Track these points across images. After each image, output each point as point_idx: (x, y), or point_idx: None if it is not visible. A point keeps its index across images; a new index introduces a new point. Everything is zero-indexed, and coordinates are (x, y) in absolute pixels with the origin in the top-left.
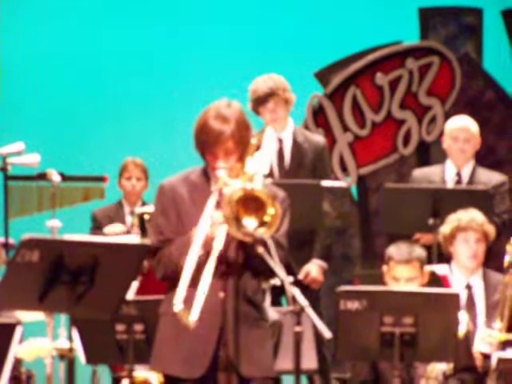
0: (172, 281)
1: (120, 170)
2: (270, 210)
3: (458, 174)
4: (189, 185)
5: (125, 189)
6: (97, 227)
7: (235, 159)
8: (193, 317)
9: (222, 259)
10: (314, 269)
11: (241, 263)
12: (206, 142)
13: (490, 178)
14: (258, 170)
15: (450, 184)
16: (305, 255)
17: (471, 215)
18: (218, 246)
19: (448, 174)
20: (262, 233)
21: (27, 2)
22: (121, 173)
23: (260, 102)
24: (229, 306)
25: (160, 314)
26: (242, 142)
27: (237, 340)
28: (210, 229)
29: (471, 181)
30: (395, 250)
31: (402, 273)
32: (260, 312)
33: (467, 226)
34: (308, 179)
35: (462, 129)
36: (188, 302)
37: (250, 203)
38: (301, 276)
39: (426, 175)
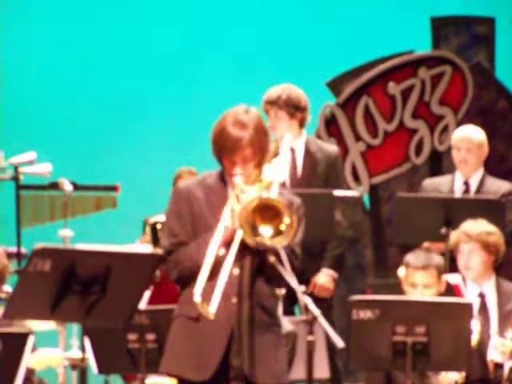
0: (185, 283)
1: (174, 179)
2: (286, 220)
3: (466, 184)
4: (205, 188)
5: None
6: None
7: (253, 166)
8: (212, 309)
9: (237, 264)
10: (321, 277)
11: (255, 268)
12: (224, 148)
13: (499, 186)
14: (274, 178)
15: (458, 194)
16: (317, 265)
17: (467, 226)
18: (239, 238)
19: (456, 183)
20: (278, 242)
21: (39, 7)
22: (175, 181)
23: (264, 106)
24: (242, 311)
25: (173, 317)
26: (261, 149)
27: (250, 346)
28: (232, 221)
29: (479, 190)
30: (413, 257)
31: (419, 279)
32: (273, 318)
33: (459, 237)
34: (320, 189)
35: (463, 139)
36: (205, 295)
37: (266, 211)
38: (310, 288)
39: (435, 185)
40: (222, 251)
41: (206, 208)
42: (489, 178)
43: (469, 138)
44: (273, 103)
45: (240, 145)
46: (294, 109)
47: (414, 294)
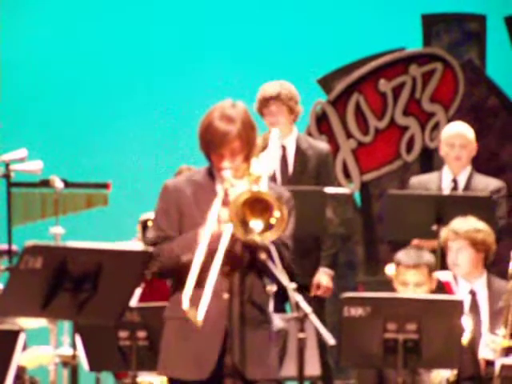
0: (176, 284)
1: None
2: (276, 213)
3: (454, 181)
4: (193, 185)
5: None
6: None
7: (241, 159)
8: (200, 316)
9: (227, 259)
10: (324, 278)
11: (246, 264)
12: (212, 142)
13: (487, 184)
14: (263, 171)
15: (447, 191)
16: (309, 262)
17: (455, 224)
18: (224, 244)
19: (444, 180)
20: (269, 235)
21: (28, 6)
22: None
23: (263, 103)
24: (233, 308)
25: (165, 318)
26: (248, 142)
27: (241, 343)
28: (217, 226)
29: (468, 187)
30: (404, 255)
31: (411, 277)
32: (264, 314)
33: (449, 234)
34: (311, 186)
35: (457, 135)
36: (194, 301)
37: (256, 205)
38: (313, 290)
39: (422, 183)
40: (208, 252)
41: (193, 205)
42: (477, 175)
43: (463, 134)
44: (275, 98)
45: (228, 138)
46: (294, 103)
47: (405, 293)
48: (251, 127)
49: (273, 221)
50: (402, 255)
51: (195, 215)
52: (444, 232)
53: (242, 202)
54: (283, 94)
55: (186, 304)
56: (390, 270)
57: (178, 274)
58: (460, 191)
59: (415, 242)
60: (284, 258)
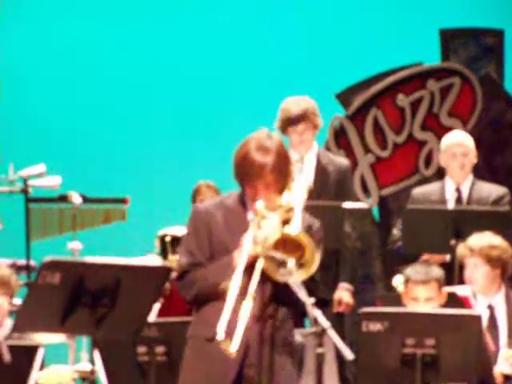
0: (200, 303)
1: (193, 193)
2: (308, 253)
3: (458, 190)
4: (224, 210)
5: None
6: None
7: (275, 192)
8: (234, 348)
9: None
10: (345, 295)
11: (272, 292)
12: (247, 174)
13: (491, 191)
14: (296, 203)
15: (451, 201)
16: (327, 276)
17: (470, 240)
18: (260, 266)
19: (448, 190)
20: (299, 274)
21: (34, 10)
22: (194, 196)
23: (290, 122)
24: (262, 332)
25: (188, 337)
26: (283, 176)
27: (262, 364)
28: (254, 248)
29: (471, 196)
30: (412, 271)
31: (421, 293)
32: (290, 336)
33: (464, 251)
34: (330, 201)
35: (458, 144)
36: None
37: (288, 243)
38: (334, 307)
39: (425, 194)
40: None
41: (224, 231)
42: (479, 183)
43: (463, 143)
44: (303, 117)
45: (264, 171)
46: (318, 119)
47: (414, 308)
48: (286, 159)
49: (304, 260)
50: (410, 271)
51: (226, 241)
52: (460, 248)
53: (272, 243)
54: (309, 111)
55: (221, 335)
56: (396, 281)
57: (214, 298)
58: (464, 200)
59: (425, 257)
60: (314, 292)
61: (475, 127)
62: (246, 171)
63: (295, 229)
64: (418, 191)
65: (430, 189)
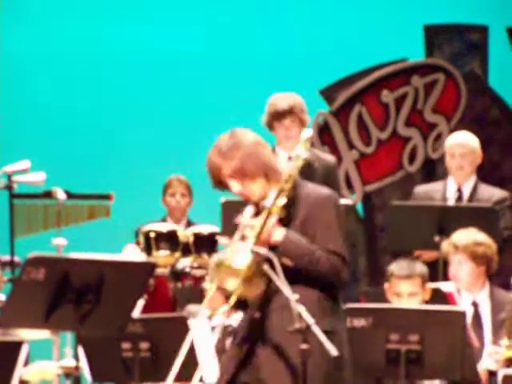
0: None
1: (164, 187)
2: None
3: (459, 191)
4: None
5: (169, 205)
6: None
7: (243, 184)
8: None
9: None
10: None
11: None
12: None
13: (492, 194)
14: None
15: (451, 200)
16: None
17: (455, 237)
18: None
19: (449, 190)
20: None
21: (31, 10)
22: (165, 190)
23: (277, 117)
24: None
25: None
26: (248, 172)
27: (259, 360)
28: None
29: (472, 197)
30: (396, 266)
31: (404, 288)
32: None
33: (448, 248)
34: None
35: (457, 145)
36: None
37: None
38: None
39: (427, 192)
40: None
41: None
42: (481, 185)
43: (464, 144)
44: (289, 112)
45: (222, 174)
46: (305, 115)
47: (399, 304)
48: (246, 152)
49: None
50: (394, 266)
51: None
52: (445, 245)
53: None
54: (297, 107)
55: None
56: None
57: None
58: (464, 201)
59: (417, 253)
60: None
61: (459, 123)
62: (211, 177)
63: (239, 263)
64: (420, 189)
65: (432, 187)
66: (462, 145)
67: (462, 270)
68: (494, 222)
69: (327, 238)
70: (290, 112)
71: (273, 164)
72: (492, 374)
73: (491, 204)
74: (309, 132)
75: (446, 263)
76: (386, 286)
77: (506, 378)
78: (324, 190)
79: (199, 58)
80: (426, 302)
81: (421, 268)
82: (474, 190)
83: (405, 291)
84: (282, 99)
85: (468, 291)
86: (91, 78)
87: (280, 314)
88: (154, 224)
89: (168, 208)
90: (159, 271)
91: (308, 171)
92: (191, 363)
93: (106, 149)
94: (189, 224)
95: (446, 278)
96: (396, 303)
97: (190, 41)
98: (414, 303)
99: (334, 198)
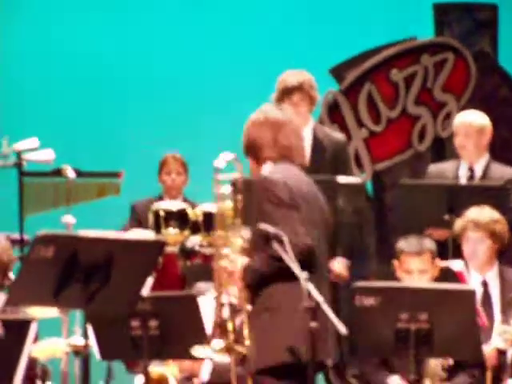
0: None
1: (159, 165)
2: None
3: (471, 170)
4: None
5: (165, 183)
6: (134, 219)
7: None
8: None
9: None
10: (336, 265)
11: None
12: None
13: (504, 173)
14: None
15: (463, 179)
16: None
17: (474, 214)
18: None
19: (461, 169)
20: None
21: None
22: (160, 168)
23: (286, 93)
24: None
25: None
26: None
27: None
28: None
29: (484, 176)
30: (405, 243)
31: (414, 265)
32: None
33: (467, 225)
34: (326, 175)
35: (461, 124)
36: None
37: None
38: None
39: (440, 171)
40: None
41: None
42: (494, 164)
43: (468, 124)
44: (298, 89)
45: None
46: (315, 92)
47: (409, 281)
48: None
49: None
50: (403, 244)
51: None
52: (461, 222)
53: None
54: (306, 83)
55: None
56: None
57: None
58: (476, 180)
59: (429, 231)
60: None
61: (469, 102)
62: None
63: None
64: (433, 168)
65: (445, 166)
66: (466, 124)
67: (480, 247)
68: (505, 200)
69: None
70: (299, 88)
71: (259, 144)
72: (501, 353)
73: (501, 183)
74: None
75: (455, 242)
76: (396, 263)
77: None
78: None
79: (204, 36)
80: (436, 280)
81: (430, 244)
82: (486, 169)
83: (415, 268)
84: (291, 76)
85: (479, 270)
86: (101, 55)
87: None
88: (163, 202)
89: (164, 186)
90: (168, 249)
91: (318, 150)
92: (200, 342)
93: (116, 126)
94: (185, 202)
95: (455, 256)
96: (406, 280)
97: (199, 13)
98: (424, 280)
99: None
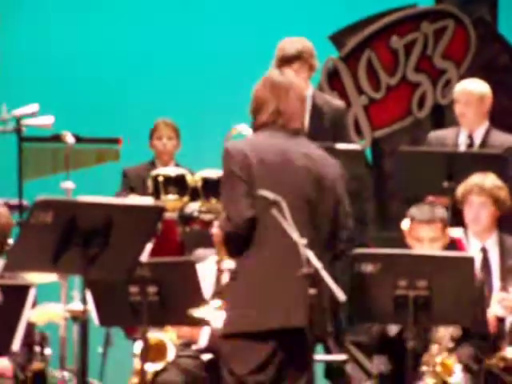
0: None
1: (151, 131)
2: None
3: (470, 137)
4: None
5: (156, 148)
6: (126, 185)
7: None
8: None
9: None
10: None
11: None
12: None
13: (504, 140)
14: None
15: (462, 147)
16: None
17: (478, 179)
18: None
19: (461, 137)
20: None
21: None
22: (152, 133)
23: (286, 61)
24: None
25: None
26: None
27: None
28: None
29: (484, 143)
30: (417, 211)
31: (425, 233)
32: None
33: (471, 189)
34: (325, 142)
35: (462, 92)
36: None
37: None
38: None
39: (440, 138)
40: None
41: None
42: (494, 132)
43: (468, 92)
44: (298, 57)
45: None
46: (314, 60)
47: (420, 248)
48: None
49: None
50: (415, 211)
51: None
52: (465, 187)
53: None
54: (305, 51)
55: None
56: (405, 225)
57: None
58: (476, 147)
59: (430, 198)
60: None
61: (468, 70)
62: None
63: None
64: (433, 134)
65: (445, 133)
66: (466, 92)
67: (484, 212)
68: (503, 168)
69: None
70: (298, 57)
71: (257, 110)
72: (500, 321)
73: (501, 151)
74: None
75: (454, 209)
76: (406, 230)
77: None
78: None
79: (207, 3)
80: (446, 249)
81: (442, 212)
82: (486, 136)
83: (426, 236)
84: (290, 44)
85: (479, 237)
86: (100, 23)
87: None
88: (162, 168)
89: (155, 151)
90: (167, 215)
91: (317, 116)
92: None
93: (115, 93)
94: (177, 167)
95: (454, 224)
96: (417, 248)
97: None
98: (435, 248)
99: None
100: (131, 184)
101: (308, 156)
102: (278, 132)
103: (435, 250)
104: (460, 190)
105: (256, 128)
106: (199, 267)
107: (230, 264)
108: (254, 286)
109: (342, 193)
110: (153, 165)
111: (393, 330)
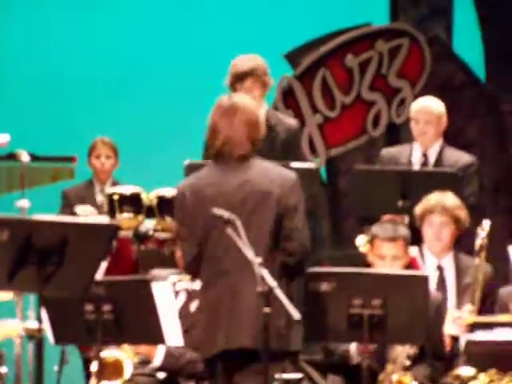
0: None
1: (89, 150)
2: None
3: (425, 155)
4: None
5: (94, 167)
6: (67, 206)
7: None
8: None
9: None
10: None
11: None
12: None
13: (458, 158)
14: None
15: (417, 165)
16: None
17: (439, 198)
18: None
19: (414, 155)
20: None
21: None
22: (90, 152)
23: (238, 78)
24: None
25: None
26: None
27: None
28: None
29: (438, 161)
30: (380, 229)
31: (388, 250)
32: None
33: (433, 208)
34: (278, 161)
35: (421, 111)
36: None
37: None
38: None
39: (393, 155)
40: None
41: None
42: (448, 150)
43: (428, 110)
44: (250, 74)
45: None
46: (268, 78)
47: (382, 266)
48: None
49: None
50: (378, 229)
51: None
52: (426, 205)
53: None
54: (258, 68)
55: None
56: (360, 241)
57: None
58: (430, 166)
59: (387, 217)
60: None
61: (423, 88)
62: None
63: None
64: (386, 152)
65: (398, 150)
66: (426, 111)
67: (445, 231)
68: (458, 187)
69: None
70: (251, 73)
71: (211, 135)
72: (454, 339)
73: (455, 169)
74: None
75: (410, 227)
76: (368, 248)
77: (469, 343)
78: None
79: (160, 22)
80: (408, 267)
81: (404, 231)
82: (440, 154)
83: (389, 253)
84: (243, 61)
85: (436, 255)
86: (55, 44)
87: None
88: (118, 187)
89: (93, 169)
90: (122, 234)
91: (270, 135)
92: (154, 326)
93: (70, 111)
94: (115, 185)
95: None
96: (379, 265)
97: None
98: (397, 266)
99: None
100: (72, 204)
101: (246, 181)
102: (221, 163)
103: (395, 269)
104: (420, 208)
105: (209, 158)
106: (155, 287)
107: (185, 285)
108: (205, 312)
109: (291, 205)
110: (91, 183)
111: (354, 358)
